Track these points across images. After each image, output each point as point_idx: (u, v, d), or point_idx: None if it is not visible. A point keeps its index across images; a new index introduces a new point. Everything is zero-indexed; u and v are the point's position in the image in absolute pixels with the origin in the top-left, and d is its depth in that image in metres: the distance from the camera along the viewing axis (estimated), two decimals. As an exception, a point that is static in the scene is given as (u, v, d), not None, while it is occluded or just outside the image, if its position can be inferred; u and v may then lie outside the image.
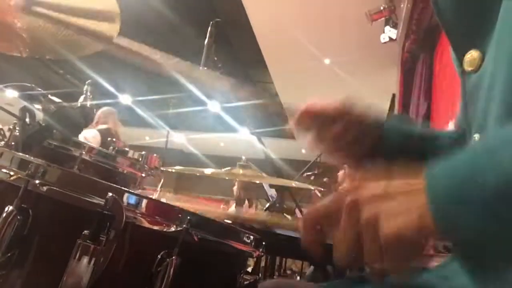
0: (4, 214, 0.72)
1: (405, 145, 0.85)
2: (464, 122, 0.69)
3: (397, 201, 0.47)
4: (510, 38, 0.53)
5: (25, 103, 1.14)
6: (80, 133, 1.26)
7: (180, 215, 0.80)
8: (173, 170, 2.13)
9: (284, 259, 3.43)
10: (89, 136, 3.42)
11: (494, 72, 0.56)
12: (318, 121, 0.85)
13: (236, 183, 4.14)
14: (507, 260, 0.44)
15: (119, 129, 4.20)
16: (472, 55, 0.59)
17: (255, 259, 1.02)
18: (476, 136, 0.60)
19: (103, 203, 0.72)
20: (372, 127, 0.84)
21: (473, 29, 0.60)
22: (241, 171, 1.90)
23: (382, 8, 4.71)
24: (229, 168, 1.96)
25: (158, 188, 2.29)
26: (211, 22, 1.87)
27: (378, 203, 0.48)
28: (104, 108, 4.26)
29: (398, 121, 0.89)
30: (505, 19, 0.54)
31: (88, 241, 0.69)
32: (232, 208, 4.75)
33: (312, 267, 3.70)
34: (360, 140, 0.83)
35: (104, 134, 3.63)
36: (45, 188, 0.75)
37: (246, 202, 4.16)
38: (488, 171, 0.42)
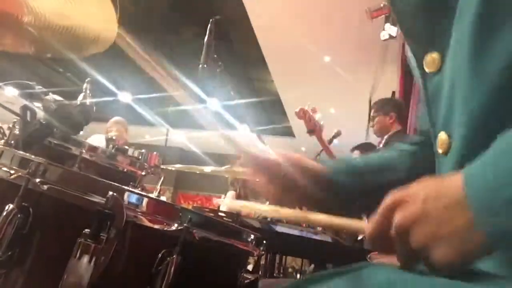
0: (5, 213, 0.72)
1: (358, 181, 0.86)
2: (426, 123, 0.69)
3: (440, 220, 0.45)
4: (467, 36, 0.53)
5: (26, 101, 1.14)
6: (80, 131, 1.26)
7: (180, 214, 0.80)
8: (173, 168, 2.13)
9: (284, 257, 3.44)
10: (95, 140, 3.46)
11: (454, 71, 0.56)
12: (266, 173, 0.85)
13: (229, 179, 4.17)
14: None
15: (126, 137, 4.26)
16: (432, 56, 0.59)
17: (255, 257, 1.01)
18: (442, 134, 0.60)
19: (103, 201, 0.72)
20: (318, 176, 0.85)
21: (431, 30, 0.60)
22: (241, 169, 1.90)
23: (382, 5, 4.70)
24: (229, 166, 1.96)
25: (158, 186, 2.29)
26: (210, 20, 1.87)
27: (421, 227, 0.46)
28: (116, 118, 4.35)
29: (341, 164, 0.89)
30: (462, 18, 0.54)
31: (88, 239, 0.69)
32: (228, 197, 4.76)
33: (312, 265, 3.71)
34: (309, 191, 0.84)
35: (109, 141, 3.64)
36: (45, 186, 0.74)
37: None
38: None
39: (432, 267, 0.47)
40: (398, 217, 0.48)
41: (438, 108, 0.61)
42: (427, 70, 0.61)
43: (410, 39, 0.66)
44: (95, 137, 3.49)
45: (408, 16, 0.63)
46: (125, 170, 1.30)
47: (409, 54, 0.70)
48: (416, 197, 0.48)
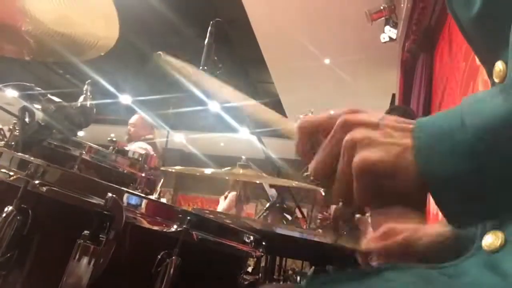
0: (4, 214, 0.72)
1: None
2: None
3: (383, 132, 0.47)
4: None
5: (25, 103, 1.14)
6: (78, 132, 1.26)
7: (180, 216, 0.79)
8: (173, 170, 2.12)
9: (284, 259, 3.43)
10: (138, 147, 3.32)
11: None
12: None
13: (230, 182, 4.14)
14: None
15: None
16: (498, 66, 0.57)
17: (255, 259, 1.01)
18: None
19: (103, 203, 0.72)
20: None
21: (495, 40, 0.58)
22: (241, 171, 1.90)
23: (382, 7, 4.70)
24: (229, 168, 1.96)
25: (158, 188, 2.29)
26: (211, 22, 1.86)
27: (366, 129, 0.47)
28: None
29: None
30: None
31: (88, 241, 0.69)
32: (229, 199, 4.75)
33: (312, 267, 3.70)
34: None
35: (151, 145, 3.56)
36: (45, 188, 0.74)
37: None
38: (468, 118, 0.43)
39: (344, 174, 0.47)
40: (352, 133, 0.48)
41: None
42: (495, 80, 0.59)
43: (475, 48, 0.64)
44: (137, 144, 3.36)
45: (470, 25, 0.61)
46: (124, 171, 1.30)
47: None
48: (373, 114, 0.49)
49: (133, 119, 3.84)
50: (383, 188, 0.46)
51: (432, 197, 0.44)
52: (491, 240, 0.47)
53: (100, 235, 0.70)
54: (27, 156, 0.84)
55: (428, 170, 0.43)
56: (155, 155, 3.19)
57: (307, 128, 0.54)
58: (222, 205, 5.13)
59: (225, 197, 5.46)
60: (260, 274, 2.58)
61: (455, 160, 0.42)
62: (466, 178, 0.42)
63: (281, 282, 2.86)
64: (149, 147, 3.40)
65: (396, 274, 0.50)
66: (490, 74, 0.60)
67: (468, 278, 0.47)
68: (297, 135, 0.55)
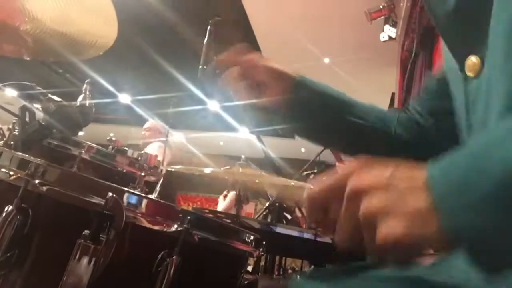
0: (4, 214, 0.72)
1: (314, 100, 0.85)
2: (463, 124, 0.68)
3: (399, 196, 0.44)
4: (502, 40, 0.52)
5: (25, 102, 1.14)
6: (78, 132, 1.26)
7: (180, 215, 0.79)
8: (173, 169, 2.13)
9: (284, 258, 3.43)
10: (155, 148, 3.49)
11: (491, 76, 0.55)
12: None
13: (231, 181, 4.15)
14: None
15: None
16: (472, 60, 0.58)
17: (255, 258, 1.01)
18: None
19: (103, 203, 0.72)
20: (284, 76, 0.85)
21: (470, 35, 0.59)
22: (240, 170, 1.90)
23: (381, 6, 4.70)
24: (228, 167, 1.96)
25: (158, 187, 2.29)
26: (210, 22, 1.86)
27: (378, 194, 0.45)
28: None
29: (313, 81, 0.88)
30: (496, 20, 0.54)
31: (88, 241, 0.69)
32: (229, 198, 4.76)
33: (312, 266, 3.70)
34: (269, 84, 0.84)
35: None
36: (45, 188, 0.74)
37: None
38: (494, 162, 0.39)
39: (372, 246, 0.45)
40: (366, 203, 0.46)
41: (475, 112, 0.60)
42: (468, 74, 0.60)
43: (448, 43, 0.65)
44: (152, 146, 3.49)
45: (445, 19, 0.62)
46: (124, 171, 1.29)
47: (446, 57, 0.69)
48: (379, 172, 0.46)
49: (148, 124, 4.19)
50: (412, 255, 0.45)
51: (468, 255, 0.42)
52: None
53: (101, 235, 0.70)
54: (27, 155, 0.84)
55: (457, 232, 0.41)
56: (169, 155, 3.35)
57: (316, 199, 0.52)
58: (222, 204, 5.13)
59: (224, 196, 5.46)
60: (260, 273, 2.59)
61: (482, 216, 0.39)
62: (495, 231, 0.39)
63: (280, 282, 2.85)
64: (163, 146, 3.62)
65: (382, 271, 0.50)
66: (462, 68, 0.61)
67: (453, 272, 0.47)
68: (308, 207, 0.53)
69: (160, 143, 3.72)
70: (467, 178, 0.41)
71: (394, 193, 0.44)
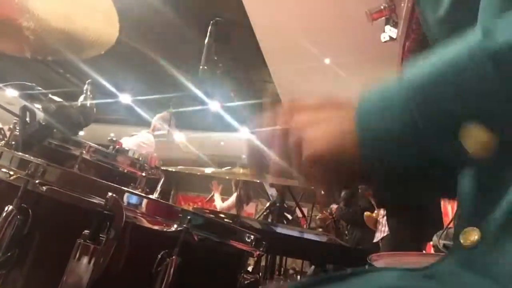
0: (4, 214, 0.72)
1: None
2: None
3: (324, 113, 0.49)
4: None
5: (25, 102, 1.14)
6: (79, 132, 1.26)
7: (180, 215, 0.79)
8: (174, 170, 2.13)
9: (284, 258, 3.43)
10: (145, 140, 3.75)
11: None
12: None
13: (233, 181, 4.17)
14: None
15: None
16: None
17: (255, 258, 1.01)
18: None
19: (103, 202, 0.72)
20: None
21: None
22: (241, 170, 1.90)
23: (382, 7, 4.70)
24: (229, 167, 1.96)
25: (158, 188, 2.29)
26: (211, 22, 1.87)
27: (308, 112, 0.50)
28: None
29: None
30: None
31: (88, 241, 0.69)
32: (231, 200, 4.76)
33: (312, 266, 3.71)
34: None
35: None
36: (45, 188, 0.74)
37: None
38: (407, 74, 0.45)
39: (299, 161, 0.48)
40: (296, 118, 0.51)
41: None
42: None
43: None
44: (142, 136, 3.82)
45: (435, 26, 0.63)
46: (125, 171, 1.30)
47: None
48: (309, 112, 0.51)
49: (160, 114, 4.67)
50: (333, 158, 0.48)
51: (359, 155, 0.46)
52: (467, 236, 0.47)
53: (100, 235, 0.70)
54: (27, 155, 0.84)
55: (362, 128, 0.46)
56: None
57: (256, 146, 0.57)
58: (219, 203, 5.14)
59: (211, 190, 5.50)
60: (260, 274, 2.59)
61: (389, 116, 0.44)
62: (399, 132, 0.44)
63: (281, 282, 2.86)
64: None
65: (378, 275, 0.50)
66: None
67: (445, 277, 0.47)
68: (248, 154, 0.60)
69: (141, 140, 4.00)
70: (387, 88, 0.49)
71: (323, 112, 0.50)
